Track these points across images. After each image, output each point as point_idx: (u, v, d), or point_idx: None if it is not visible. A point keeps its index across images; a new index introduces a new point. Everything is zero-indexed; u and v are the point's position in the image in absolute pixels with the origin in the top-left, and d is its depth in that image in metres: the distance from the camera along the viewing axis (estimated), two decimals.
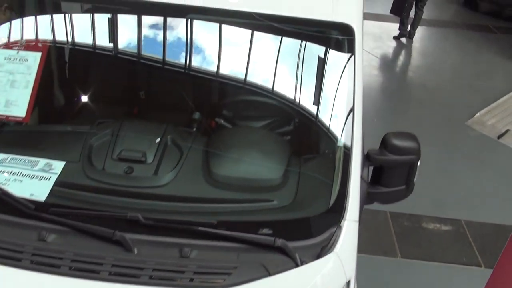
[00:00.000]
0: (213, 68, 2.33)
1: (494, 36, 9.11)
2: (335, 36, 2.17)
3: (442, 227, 4.19)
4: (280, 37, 2.23)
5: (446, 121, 5.94)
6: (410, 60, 7.79)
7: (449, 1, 10.83)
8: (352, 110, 2.07)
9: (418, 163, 2.22)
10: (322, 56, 2.19)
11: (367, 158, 2.14)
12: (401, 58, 7.77)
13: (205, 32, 2.27)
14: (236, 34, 2.27)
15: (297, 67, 2.22)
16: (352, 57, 2.13)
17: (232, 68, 2.34)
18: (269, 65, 2.26)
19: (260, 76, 2.29)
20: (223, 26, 2.24)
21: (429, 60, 7.83)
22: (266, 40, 2.24)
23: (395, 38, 8.40)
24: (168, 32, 2.29)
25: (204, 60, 2.31)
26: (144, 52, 2.34)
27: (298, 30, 2.18)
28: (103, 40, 2.33)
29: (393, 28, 8.91)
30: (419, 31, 8.76)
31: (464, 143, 5.52)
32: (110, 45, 2.35)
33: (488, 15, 10.18)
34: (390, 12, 8.37)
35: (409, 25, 8.35)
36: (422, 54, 8.03)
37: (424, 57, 7.95)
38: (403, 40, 8.41)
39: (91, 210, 1.83)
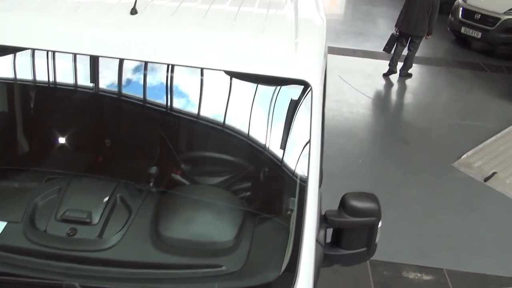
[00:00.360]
0: (171, 124, 2.28)
1: (485, 74, 9.13)
2: (292, 93, 2.12)
3: (423, 277, 4.06)
4: (234, 93, 2.17)
5: (432, 162, 5.87)
6: (399, 99, 7.78)
7: (440, 38, 10.91)
8: (307, 170, 1.99)
9: (379, 225, 2.13)
10: (278, 113, 2.13)
11: (324, 220, 2.05)
12: (390, 96, 7.76)
13: (160, 87, 2.21)
14: (192, 90, 2.22)
15: (252, 125, 2.16)
16: (309, 114, 2.07)
17: (190, 124, 2.28)
18: (224, 122, 2.20)
19: (216, 132, 2.23)
20: (181, 82, 2.19)
21: (419, 99, 7.82)
22: (220, 97, 2.18)
23: (384, 75, 8.41)
24: (126, 84, 2.23)
25: (161, 115, 2.26)
26: (101, 102, 2.29)
27: (253, 86, 2.13)
28: (55, 89, 2.27)
29: (384, 65, 8.95)
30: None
31: (450, 186, 5.43)
32: (62, 95, 2.29)
33: (480, 53, 10.26)
34: (384, 49, 8.42)
35: (398, 63, 8.38)
36: (411, 93, 8.02)
37: (414, 95, 7.94)
38: (394, 78, 8.42)
39: (26, 277, 1.74)
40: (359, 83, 8.03)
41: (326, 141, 5.91)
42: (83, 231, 1.93)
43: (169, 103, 2.22)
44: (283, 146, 2.11)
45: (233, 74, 2.11)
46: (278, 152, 2.11)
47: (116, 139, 2.32)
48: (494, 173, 5.60)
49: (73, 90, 2.23)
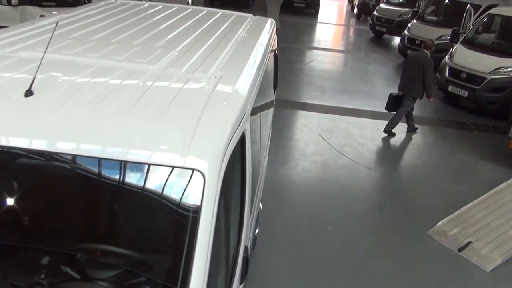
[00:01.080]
0: (58, 214, 2.13)
1: (471, 134, 8.98)
2: (182, 183, 1.97)
3: None
4: (124, 183, 2.03)
5: (405, 230, 5.63)
6: (379, 160, 7.59)
7: None
8: (190, 270, 1.82)
9: None
10: (166, 205, 1.99)
11: None
12: (370, 157, 7.58)
13: (50, 177, 2.08)
14: (82, 179, 2.08)
15: (141, 216, 2.01)
16: (199, 206, 1.92)
17: (81, 214, 2.13)
18: (114, 213, 2.05)
19: (108, 223, 2.08)
20: (71, 171, 2.06)
21: (399, 160, 7.65)
22: (109, 186, 2.04)
23: (408, 131, 8.57)
24: (15, 172, 2.11)
25: (49, 204, 2.12)
26: None
27: (144, 175, 1.99)
28: None
29: (368, 124, 8.86)
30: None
31: (422, 257, 5.17)
32: None
33: (468, 112, 10.15)
34: (385, 109, 8.56)
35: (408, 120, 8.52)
36: (392, 153, 7.86)
37: (394, 156, 7.78)
38: (376, 138, 8.29)
39: None
40: (339, 142, 7.91)
41: (296, 205, 5.73)
42: None
43: (59, 192, 2.09)
44: (170, 240, 1.95)
45: (121, 163, 1.98)
46: (164, 247, 1.95)
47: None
48: (469, 243, 5.34)
49: None
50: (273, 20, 4.99)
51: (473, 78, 9.77)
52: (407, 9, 16.06)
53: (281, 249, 5.01)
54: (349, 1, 26.88)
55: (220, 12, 4.79)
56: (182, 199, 1.97)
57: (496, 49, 10.23)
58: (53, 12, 8.33)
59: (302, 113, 9.10)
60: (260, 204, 4.91)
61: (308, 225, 5.49)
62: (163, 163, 1.96)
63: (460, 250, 5.27)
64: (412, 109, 8.43)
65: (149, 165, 1.96)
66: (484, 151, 8.16)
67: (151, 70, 2.67)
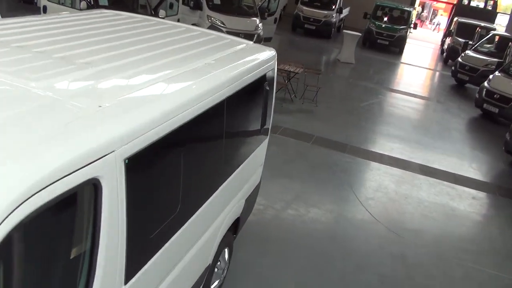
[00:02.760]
0: None
1: None
2: None
3: None
4: None
5: None
6: (405, 222, 6.61)
7: (495, 158, 9.64)
8: None
9: None
10: None
11: None
12: (395, 216, 6.64)
13: None
14: None
15: None
16: None
17: None
18: None
19: None
20: None
21: (430, 227, 6.61)
22: None
23: None
24: None
25: None
26: None
27: None
28: None
29: (408, 178, 7.90)
30: (436, 186, 7.69)
31: None
32: None
33: None
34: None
35: None
36: (425, 218, 6.81)
37: (426, 221, 6.72)
38: (415, 195, 7.34)
39: None
40: (368, 195, 7.08)
41: (284, 262, 5.03)
42: None
43: None
44: None
45: None
46: None
47: None
48: None
49: None
50: (273, 51, 4.44)
51: None
52: (495, 59, 14.63)
53: None
54: (441, 45, 25.43)
55: (213, 35, 4.34)
56: None
57: None
58: None
59: (338, 155, 8.33)
60: (226, 254, 4.33)
61: None
62: None
63: None
64: None
65: None
66: None
67: (23, 88, 2.26)
